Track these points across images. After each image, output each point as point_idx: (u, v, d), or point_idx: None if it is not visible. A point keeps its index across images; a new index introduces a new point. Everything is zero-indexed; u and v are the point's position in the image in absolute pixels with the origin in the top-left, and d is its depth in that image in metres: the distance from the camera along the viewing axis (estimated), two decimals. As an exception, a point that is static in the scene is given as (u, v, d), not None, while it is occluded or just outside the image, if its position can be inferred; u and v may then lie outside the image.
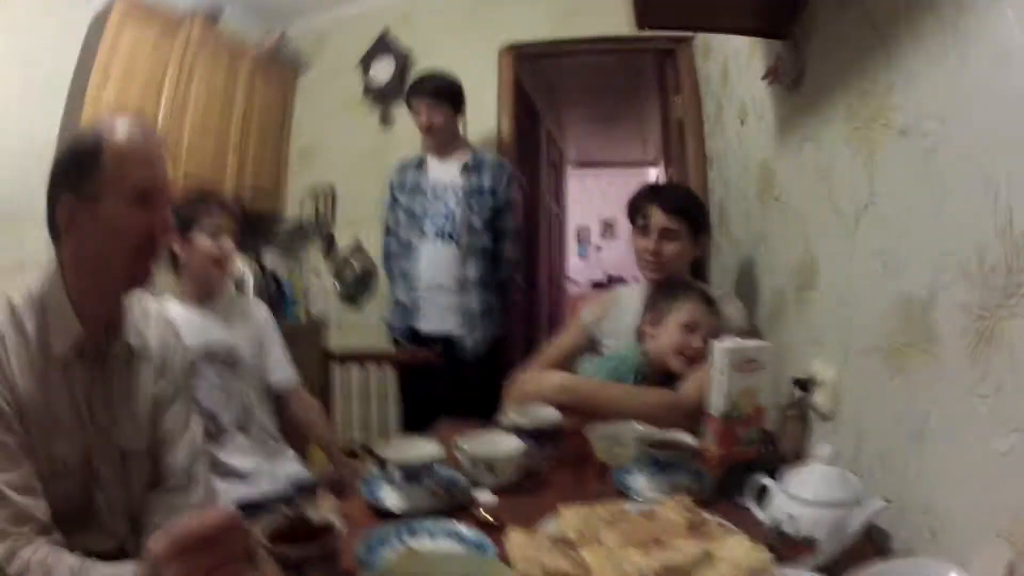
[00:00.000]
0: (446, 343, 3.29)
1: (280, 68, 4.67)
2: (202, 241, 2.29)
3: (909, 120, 1.22)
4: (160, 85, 3.61)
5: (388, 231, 3.55)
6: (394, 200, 3.49)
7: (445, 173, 3.38)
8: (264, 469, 2.34)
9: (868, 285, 1.43)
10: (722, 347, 1.64)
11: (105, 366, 1.43)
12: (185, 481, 1.54)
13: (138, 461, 1.49)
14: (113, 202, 1.31)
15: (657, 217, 2.19)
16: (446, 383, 3.25)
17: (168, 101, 3.65)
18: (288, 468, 2.43)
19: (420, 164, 3.45)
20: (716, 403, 1.61)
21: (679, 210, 2.21)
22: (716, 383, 1.62)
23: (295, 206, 4.74)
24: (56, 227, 1.35)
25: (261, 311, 2.62)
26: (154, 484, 1.52)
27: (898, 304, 1.26)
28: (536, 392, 2.00)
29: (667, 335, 2.05)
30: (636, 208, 2.28)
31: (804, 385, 1.73)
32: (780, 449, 1.68)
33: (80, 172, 1.32)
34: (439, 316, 3.32)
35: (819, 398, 1.65)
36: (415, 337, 3.36)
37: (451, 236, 3.30)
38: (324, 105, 4.77)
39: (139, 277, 1.39)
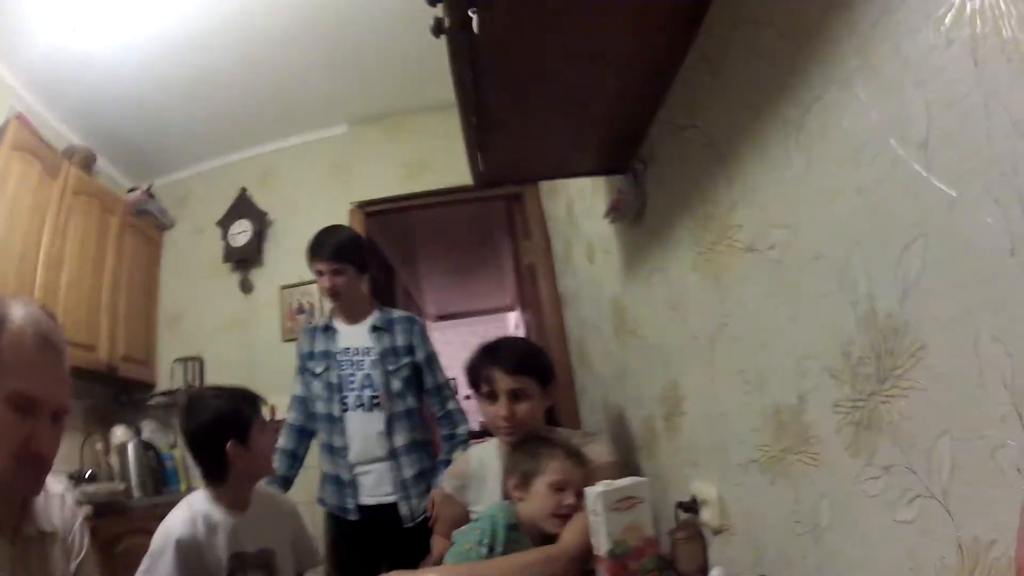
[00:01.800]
0: (383, 510, 3.01)
1: (146, 226, 4.65)
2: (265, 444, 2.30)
3: (754, 236, 1.26)
4: (40, 233, 3.54)
5: (300, 402, 3.20)
6: (306, 371, 3.18)
7: (356, 337, 3.14)
8: None
9: (734, 402, 1.44)
10: (595, 492, 1.66)
11: (26, 547, 1.34)
12: None
13: None
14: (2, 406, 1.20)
15: (502, 381, 2.10)
16: (382, 547, 3.05)
17: (46, 254, 3.56)
18: None
19: (327, 329, 3.19)
20: (601, 545, 1.61)
21: (522, 368, 2.14)
22: (596, 526, 1.63)
23: (166, 376, 4.61)
24: None
25: (288, 505, 2.53)
26: None
27: (767, 416, 1.28)
28: None
29: (538, 499, 1.95)
30: (476, 374, 2.18)
31: (688, 507, 1.72)
32: (682, 571, 1.67)
33: None
34: (374, 486, 3.04)
35: (706, 516, 1.65)
36: (347, 510, 3.05)
37: (374, 404, 3.05)
38: (188, 268, 4.77)
39: (20, 486, 1.30)
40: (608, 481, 1.74)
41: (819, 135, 1.01)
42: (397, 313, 3.31)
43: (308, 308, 4.52)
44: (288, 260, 4.55)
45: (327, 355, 3.12)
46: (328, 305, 4.42)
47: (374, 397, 3.04)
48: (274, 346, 4.50)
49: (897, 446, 0.88)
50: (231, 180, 4.71)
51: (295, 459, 3.18)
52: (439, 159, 4.41)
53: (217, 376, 4.51)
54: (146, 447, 4.05)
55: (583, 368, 3.42)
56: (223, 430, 2.14)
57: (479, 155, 1.78)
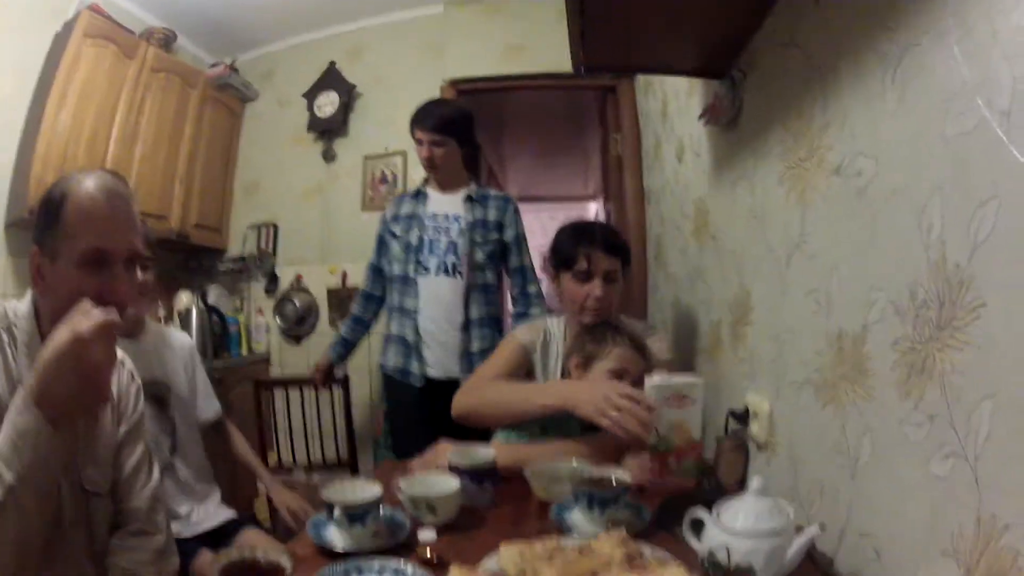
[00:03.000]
0: (445, 385, 2.91)
1: (228, 99, 4.67)
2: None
3: (843, 159, 1.25)
4: (113, 112, 3.60)
5: (374, 270, 3.27)
6: (388, 232, 3.19)
7: (447, 204, 3.12)
8: (196, 510, 2.31)
9: (801, 321, 1.46)
10: (651, 383, 1.71)
11: None
12: (147, 526, 1.53)
13: (101, 503, 1.47)
14: (66, 264, 1.30)
15: (600, 261, 2.11)
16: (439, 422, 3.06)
17: (120, 129, 3.63)
18: (217, 508, 2.40)
19: (418, 195, 3.19)
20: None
21: (618, 250, 2.15)
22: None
23: (238, 242, 4.71)
24: (31, 275, 1.36)
25: (186, 341, 2.58)
26: (116, 526, 1.51)
27: (830, 339, 1.29)
28: (480, 403, 2.04)
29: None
30: (571, 252, 2.16)
31: (740, 417, 1.75)
32: (721, 479, 1.71)
33: (44, 227, 1.32)
34: (440, 358, 3.04)
35: (755, 429, 1.68)
36: (409, 374, 3.07)
37: (455, 270, 3.05)
38: (269, 139, 4.78)
39: None
40: (667, 375, 1.79)
41: (913, 77, 1.00)
42: (493, 191, 3.29)
43: (391, 178, 4.54)
44: (374, 131, 4.59)
45: (412, 217, 3.11)
46: (415, 176, 4.49)
47: (456, 264, 3.04)
48: (353, 215, 4.57)
49: (944, 398, 0.90)
50: (319, 55, 4.69)
51: (360, 324, 3.30)
52: (535, 44, 4.32)
53: (291, 242, 4.67)
54: (210, 311, 4.14)
55: (657, 265, 3.42)
56: None
57: (582, 41, 1.76)
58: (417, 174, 4.43)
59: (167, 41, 4.11)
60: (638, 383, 1.90)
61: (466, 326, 3.04)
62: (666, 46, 1.84)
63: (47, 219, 1.31)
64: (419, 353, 3.04)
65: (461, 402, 2.08)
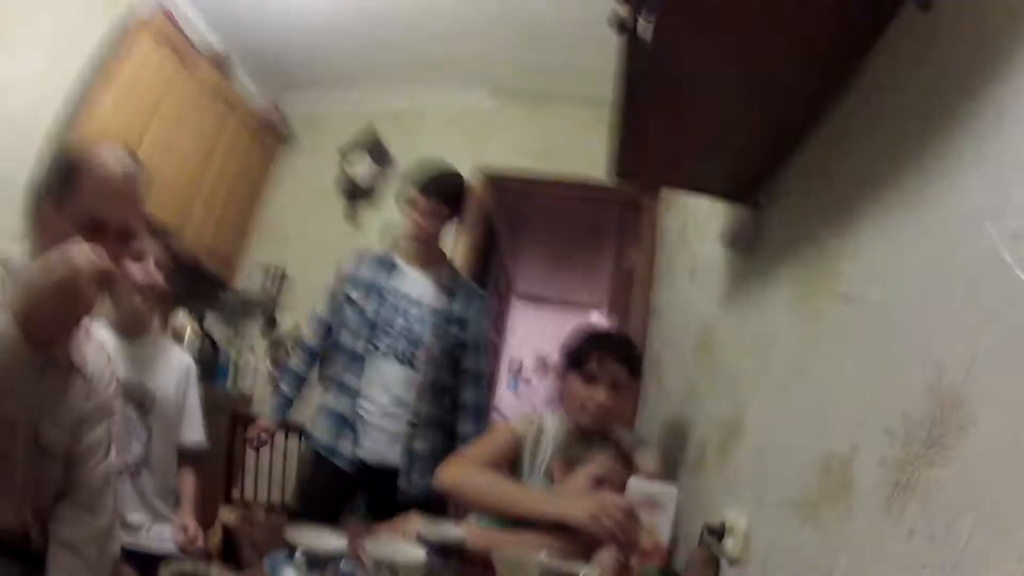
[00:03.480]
0: (379, 473, 2.81)
1: (267, 136, 4.78)
2: (128, 267, 2.19)
3: (853, 287, 1.30)
4: (153, 113, 3.70)
5: (323, 325, 3.02)
6: (343, 294, 2.94)
7: (416, 284, 2.89)
8: (149, 526, 2.29)
9: (790, 442, 1.48)
10: (629, 485, 1.80)
11: (44, 368, 1.44)
12: (94, 504, 1.56)
13: (52, 463, 1.51)
14: (69, 219, 1.38)
15: (611, 367, 2.14)
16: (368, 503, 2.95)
17: (155, 133, 3.72)
18: (166, 536, 2.35)
19: (386, 263, 2.94)
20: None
21: (631, 362, 2.19)
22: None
23: (245, 277, 4.77)
24: (33, 225, 1.45)
25: (185, 360, 2.57)
26: (63, 494, 1.54)
27: (817, 460, 1.31)
28: (470, 486, 2.04)
29: (575, 486, 2.00)
30: (583, 353, 2.19)
31: (715, 532, 1.77)
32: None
33: (57, 185, 1.41)
34: (378, 444, 2.81)
35: (729, 544, 1.69)
36: (338, 455, 2.83)
37: (409, 361, 2.81)
38: (299, 185, 4.88)
39: None
40: (643, 480, 1.84)
41: (932, 208, 1.06)
42: (465, 281, 3.08)
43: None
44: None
45: (375, 287, 2.87)
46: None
47: (408, 353, 2.82)
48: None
49: (926, 512, 0.92)
50: (362, 113, 4.82)
51: (300, 381, 3.06)
52: (567, 150, 4.45)
53: (297, 292, 4.70)
54: (205, 337, 4.19)
55: (652, 380, 3.45)
56: None
57: (620, 150, 1.85)
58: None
59: (225, 65, 4.26)
60: (618, 492, 1.94)
61: (414, 423, 2.83)
62: (700, 167, 1.93)
63: (61, 175, 1.41)
64: (355, 435, 2.81)
65: (448, 477, 2.09)
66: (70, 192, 1.39)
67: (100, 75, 3.36)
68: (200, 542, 2.37)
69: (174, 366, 2.48)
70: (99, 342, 1.69)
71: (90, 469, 1.57)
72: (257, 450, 3.12)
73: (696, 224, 2.92)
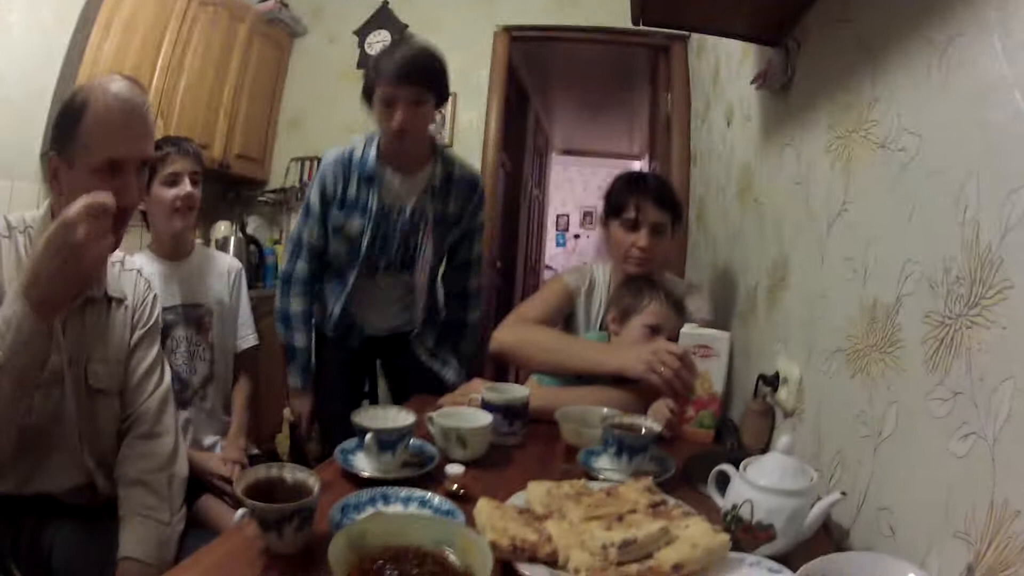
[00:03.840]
0: (391, 339, 2.67)
1: (277, 33, 4.67)
2: (160, 191, 2.22)
3: (888, 133, 1.26)
4: (159, 44, 3.60)
5: (312, 251, 2.58)
6: (328, 215, 2.51)
7: (403, 194, 2.47)
8: (220, 443, 2.35)
9: (836, 288, 1.48)
10: (682, 331, 1.83)
11: (82, 307, 1.49)
12: (155, 428, 1.59)
13: (107, 401, 1.55)
14: (84, 169, 1.35)
15: (650, 211, 2.11)
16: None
17: (165, 61, 3.64)
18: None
19: (369, 179, 2.44)
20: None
21: (670, 204, 2.16)
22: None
23: (280, 175, 4.74)
24: (48, 179, 1.42)
25: (234, 265, 2.56)
26: (123, 429, 1.58)
27: (864, 308, 1.31)
28: (525, 344, 2.07)
29: (630, 336, 2.02)
30: (621, 200, 2.16)
31: (769, 381, 1.78)
32: (745, 443, 1.75)
33: (63, 132, 1.37)
34: (387, 322, 2.67)
35: (783, 395, 1.71)
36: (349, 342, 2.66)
37: (403, 266, 2.57)
38: (317, 75, 4.78)
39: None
40: (695, 326, 1.86)
41: (957, 64, 1.02)
42: (459, 170, 2.56)
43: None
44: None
45: (356, 206, 2.46)
46: (463, 120, 4.50)
47: (410, 258, 2.55)
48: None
49: (969, 375, 0.92)
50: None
51: (310, 325, 2.69)
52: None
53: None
54: (248, 242, 4.17)
55: (698, 226, 3.43)
56: None
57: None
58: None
59: (216, -26, 4.11)
60: (671, 340, 1.94)
61: (416, 331, 2.67)
62: (724, 9, 1.85)
63: (67, 125, 1.36)
64: (362, 329, 2.65)
65: (503, 338, 2.10)
66: (77, 142, 1.35)
67: (95, 20, 3.23)
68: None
69: (224, 275, 2.48)
70: (137, 271, 1.70)
71: (147, 397, 1.61)
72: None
73: (728, 67, 2.83)
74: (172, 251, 2.33)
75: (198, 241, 2.55)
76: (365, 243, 2.45)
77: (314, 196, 2.50)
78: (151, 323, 1.68)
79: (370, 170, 2.43)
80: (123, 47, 3.36)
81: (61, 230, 1.17)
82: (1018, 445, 0.81)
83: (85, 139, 1.34)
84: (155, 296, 1.73)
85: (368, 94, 2.38)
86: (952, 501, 0.93)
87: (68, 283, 1.22)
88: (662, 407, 1.88)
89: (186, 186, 2.25)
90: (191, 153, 2.30)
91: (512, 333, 2.11)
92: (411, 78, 2.27)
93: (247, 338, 2.56)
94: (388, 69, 2.27)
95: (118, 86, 1.39)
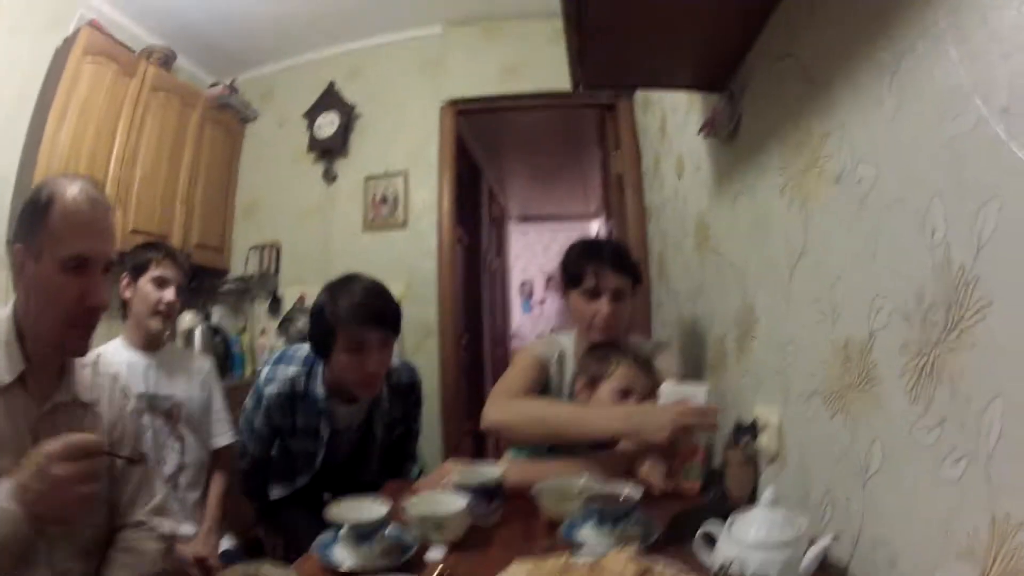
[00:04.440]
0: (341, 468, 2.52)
1: (228, 119, 4.70)
2: (147, 289, 2.35)
3: (843, 167, 1.25)
4: (113, 131, 3.61)
5: (260, 442, 2.41)
6: (274, 430, 2.38)
7: (351, 416, 2.41)
8: (190, 532, 2.34)
9: (806, 331, 1.46)
10: (662, 391, 1.81)
11: (53, 411, 1.42)
12: (145, 535, 1.54)
13: (93, 516, 1.46)
14: (51, 264, 1.33)
15: (609, 278, 2.10)
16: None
17: (120, 149, 3.65)
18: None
19: (319, 413, 2.31)
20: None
21: (627, 268, 2.15)
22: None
23: (240, 263, 4.72)
24: (12, 271, 1.40)
25: (206, 365, 2.65)
26: (107, 538, 1.51)
27: (836, 348, 1.29)
28: (519, 418, 1.97)
29: (602, 403, 1.99)
30: (578, 270, 2.14)
31: (747, 430, 1.75)
32: (731, 495, 1.71)
33: (30, 224, 1.35)
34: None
35: (764, 441, 1.68)
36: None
37: (353, 465, 2.51)
38: (269, 159, 4.81)
39: (71, 346, 1.42)
40: (673, 383, 1.83)
41: (911, 82, 1.01)
42: (395, 376, 2.47)
43: (392, 198, 4.53)
44: (374, 151, 4.60)
45: (313, 432, 2.37)
46: (416, 199, 4.49)
47: (354, 461, 2.51)
48: (354, 235, 4.57)
49: (954, 400, 0.90)
50: (318, 75, 4.71)
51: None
52: (532, 64, 4.34)
53: (293, 262, 4.66)
54: (214, 332, 4.14)
55: (660, 282, 3.43)
56: (125, 265, 2.37)
57: (580, 58, 1.78)
58: (419, 196, 4.49)
59: (167, 60, 4.13)
60: (642, 401, 1.94)
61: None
62: (663, 61, 1.86)
63: (33, 219, 1.35)
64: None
65: (493, 416, 1.99)
66: (44, 236, 1.34)
67: (50, 106, 3.25)
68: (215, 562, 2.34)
69: (195, 373, 2.56)
70: (113, 376, 1.63)
71: (136, 512, 1.54)
72: None
73: (675, 119, 2.86)
74: (146, 343, 2.42)
75: (169, 339, 2.65)
76: (311, 448, 2.36)
77: (259, 421, 2.34)
78: (134, 437, 1.63)
79: (320, 406, 2.30)
80: (79, 134, 3.36)
81: (41, 459, 1.16)
82: (1013, 460, 0.80)
83: (54, 232, 1.33)
84: (133, 411, 1.67)
85: (324, 336, 2.18)
86: (951, 524, 0.91)
87: (51, 509, 1.19)
88: (653, 469, 1.85)
89: (171, 294, 2.39)
90: (181, 264, 2.47)
91: (503, 410, 2.01)
92: (388, 322, 2.20)
93: (223, 436, 2.61)
94: (367, 312, 2.14)
95: (82, 185, 1.40)
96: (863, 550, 1.19)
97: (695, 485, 1.80)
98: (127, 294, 2.39)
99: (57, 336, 1.38)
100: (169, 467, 2.35)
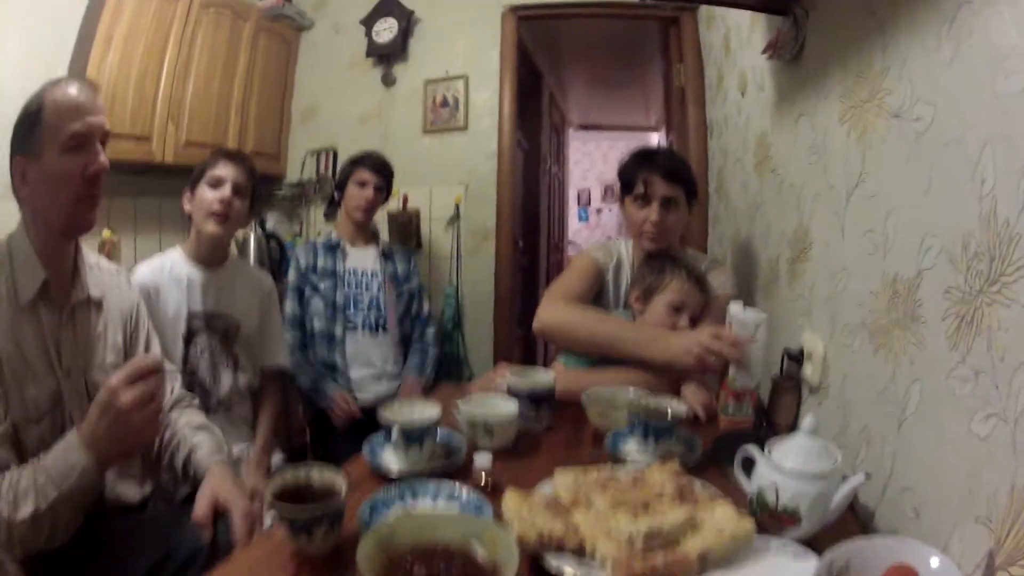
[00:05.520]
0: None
1: (282, 28, 4.64)
2: (202, 191, 2.27)
3: (902, 103, 1.24)
4: (163, 51, 3.59)
5: (292, 319, 3.05)
6: (308, 285, 3.10)
7: (364, 259, 3.21)
8: (247, 452, 2.34)
9: (857, 261, 1.46)
10: (730, 308, 1.78)
11: (72, 314, 1.53)
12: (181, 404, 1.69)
13: None
14: (52, 153, 1.41)
15: (658, 186, 2.10)
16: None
17: (171, 66, 3.63)
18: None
19: (333, 248, 3.16)
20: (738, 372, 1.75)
21: (679, 177, 2.13)
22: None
23: (296, 169, 4.74)
24: (15, 187, 1.47)
25: (267, 283, 2.58)
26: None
27: (885, 281, 1.30)
28: (571, 325, 2.05)
29: (654, 316, 2.03)
30: (632, 176, 2.16)
31: (794, 357, 1.77)
32: (775, 420, 1.74)
33: (27, 131, 1.43)
34: (372, 392, 3.05)
35: (808, 371, 1.70)
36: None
37: (379, 326, 3.13)
38: (326, 66, 4.74)
39: (81, 220, 1.49)
40: (738, 307, 1.79)
41: (967, 33, 1.00)
42: (394, 244, 3.49)
43: (452, 102, 4.50)
44: (434, 55, 4.54)
45: (332, 273, 3.11)
46: (477, 100, 4.48)
47: (380, 319, 3.14)
48: (414, 139, 4.55)
49: (990, 354, 0.90)
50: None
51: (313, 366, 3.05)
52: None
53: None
54: (268, 238, 4.17)
55: (719, 198, 3.41)
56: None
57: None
58: (479, 98, 4.44)
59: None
60: (696, 316, 1.99)
61: (400, 375, 3.17)
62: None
63: (29, 124, 1.43)
64: (351, 392, 3.01)
65: (547, 318, 2.07)
66: (42, 132, 1.41)
67: (94, 37, 3.21)
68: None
69: (255, 291, 2.51)
70: (114, 270, 1.75)
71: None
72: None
73: (739, 37, 2.79)
74: (207, 256, 2.34)
75: (234, 253, 2.58)
76: (339, 298, 3.09)
77: (292, 276, 3.12)
78: (139, 321, 1.75)
79: (333, 242, 3.19)
80: (126, 59, 3.35)
81: (106, 395, 1.26)
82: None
83: (50, 124, 1.41)
84: (138, 295, 1.80)
85: (342, 185, 3.24)
86: (974, 484, 0.93)
87: (120, 442, 1.31)
88: (692, 390, 1.90)
89: (226, 191, 2.27)
90: (242, 164, 2.35)
91: (556, 313, 2.08)
92: (380, 168, 3.21)
93: (277, 356, 2.57)
94: (362, 158, 3.24)
95: (66, 79, 1.48)
96: (891, 496, 1.21)
97: (747, 421, 1.79)
98: (188, 206, 2.33)
99: (68, 218, 1.46)
100: (223, 388, 2.32)
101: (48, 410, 1.44)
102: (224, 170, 2.29)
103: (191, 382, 2.20)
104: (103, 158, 1.47)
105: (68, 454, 1.29)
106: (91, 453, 1.28)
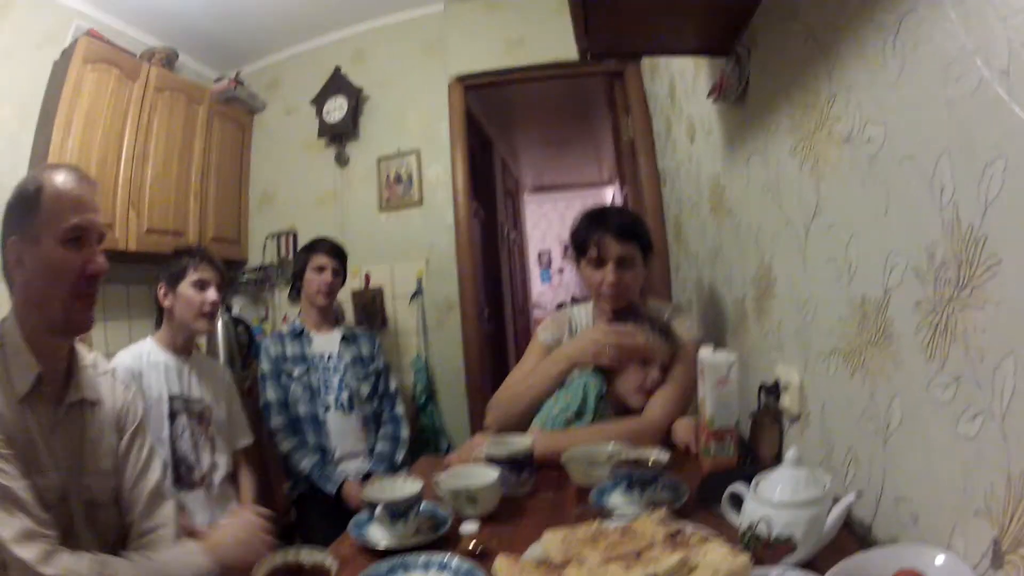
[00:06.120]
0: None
1: (236, 111, 4.69)
2: (189, 293, 2.47)
3: (851, 128, 1.25)
4: (121, 134, 3.63)
5: (278, 405, 3.18)
6: (280, 372, 3.23)
7: (327, 344, 3.36)
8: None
9: (823, 290, 1.47)
10: (700, 354, 1.79)
11: (66, 414, 1.47)
12: (152, 527, 1.57)
13: (105, 511, 1.52)
14: (50, 243, 1.38)
15: (611, 247, 2.11)
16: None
17: (129, 151, 3.67)
18: None
19: (299, 335, 3.35)
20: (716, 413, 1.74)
21: (632, 234, 2.14)
22: (713, 395, 1.74)
23: (257, 253, 4.74)
24: (8, 269, 1.44)
25: (227, 374, 2.83)
26: (124, 535, 1.55)
27: (853, 306, 1.30)
28: (508, 405, 2.17)
29: (625, 372, 2.05)
30: (584, 239, 2.18)
31: (770, 390, 1.77)
32: (759, 455, 1.73)
33: (23, 215, 1.40)
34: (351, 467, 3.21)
35: (786, 401, 1.69)
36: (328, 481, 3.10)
37: (349, 406, 3.27)
38: (281, 148, 4.80)
39: (78, 320, 1.46)
40: (710, 350, 1.78)
41: (912, 45, 1.01)
42: (356, 327, 3.69)
43: (406, 178, 4.53)
44: (385, 132, 4.60)
45: (303, 359, 3.28)
46: (430, 175, 4.50)
47: (348, 400, 3.26)
48: (372, 216, 4.59)
49: (968, 357, 0.91)
50: (323, 61, 4.69)
51: (305, 445, 3.17)
52: (536, 36, 4.32)
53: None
54: (236, 323, 4.17)
55: (678, 246, 3.44)
56: (160, 275, 2.51)
57: (586, 28, 1.78)
58: (432, 173, 4.49)
59: (169, 60, 4.15)
60: (666, 366, 2.03)
61: (369, 452, 3.28)
62: (669, 27, 1.85)
63: (25, 208, 1.40)
64: (330, 474, 3.11)
65: (493, 415, 2.18)
66: (40, 219, 1.39)
67: (54, 118, 3.26)
68: None
69: (218, 379, 2.72)
70: (112, 372, 1.70)
71: (139, 498, 1.58)
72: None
73: (684, 85, 2.85)
74: (181, 347, 2.55)
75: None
76: (314, 382, 3.24)
77: (265, 364, 3.23)
78: (138, 422, 1.67)
79: (298, 329, 3.35)
80: (86, 143, 3.38)
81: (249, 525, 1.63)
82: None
83: (49, 212, 1.39)
84: (135, 394, 1.73)
85: (299, 272, 3.43)
86: (969, 482, 0.92)
87: (247, 551, 1.54)
88: (685, 424, 1.93)
89: (213, 294, 2.53)
90: (217, 265, 2.61)
91: (498, 407, 2.20)
92: (334, 252, 3.39)
93: (244, 437, 2.78)
94: (318, 243, 3.42)
95: (65, 168, 1.47)
96: (886, 507, 1.20)
97: (731, 460, 1.75)
98: (166, 302, 2.52)
99: (64, 313, 1.42)
100: (204, 466, 2.47)
101: (56, 504, 1.39)
102: (208, 273, 2.53)
103: (176, 460, 2.38)
104: (102, 259, 1.46)
105: (189, 557, 1.46)
106: (213, 558, 1.47)
